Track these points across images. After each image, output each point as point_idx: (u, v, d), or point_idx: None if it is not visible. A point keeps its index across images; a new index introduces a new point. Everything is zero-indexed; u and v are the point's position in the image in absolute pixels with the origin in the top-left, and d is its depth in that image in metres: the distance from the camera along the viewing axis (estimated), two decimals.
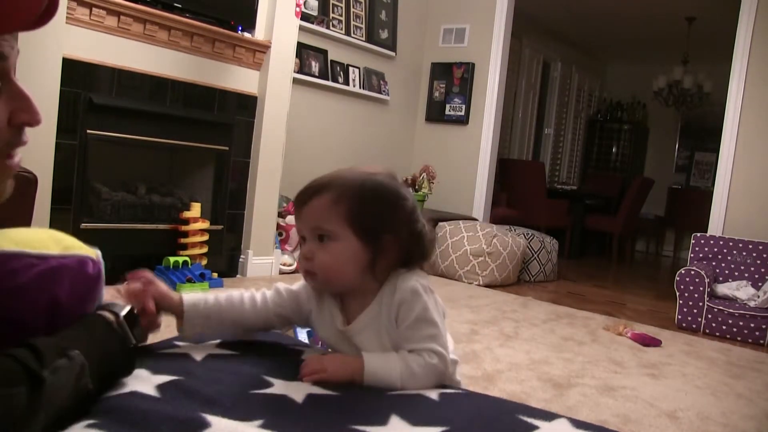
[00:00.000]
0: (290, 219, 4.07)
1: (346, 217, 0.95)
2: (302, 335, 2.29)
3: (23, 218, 1.72)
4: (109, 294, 0.92)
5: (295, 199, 0.99)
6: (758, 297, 3.60)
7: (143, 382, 0.85)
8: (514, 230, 4.85)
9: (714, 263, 3.96)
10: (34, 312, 0.75)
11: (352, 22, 4.90)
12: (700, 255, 4.00)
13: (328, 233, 0.95)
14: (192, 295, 1.05)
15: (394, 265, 0.99)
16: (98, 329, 0.82)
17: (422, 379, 0.94)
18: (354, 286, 0.99)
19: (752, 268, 3.85)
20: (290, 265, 3.99)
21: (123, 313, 0.87)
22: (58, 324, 0.77)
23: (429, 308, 0.97)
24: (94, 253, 0.83)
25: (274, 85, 3.66)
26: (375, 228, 0.96)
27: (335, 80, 4.75)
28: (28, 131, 0.76)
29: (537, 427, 0.82)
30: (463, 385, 1.10)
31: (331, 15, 4.71)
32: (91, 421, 0.73)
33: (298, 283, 1.08)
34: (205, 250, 3.41)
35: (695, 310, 3.64)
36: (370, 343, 0.99)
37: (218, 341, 1.05)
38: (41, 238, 0.79)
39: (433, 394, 0.92)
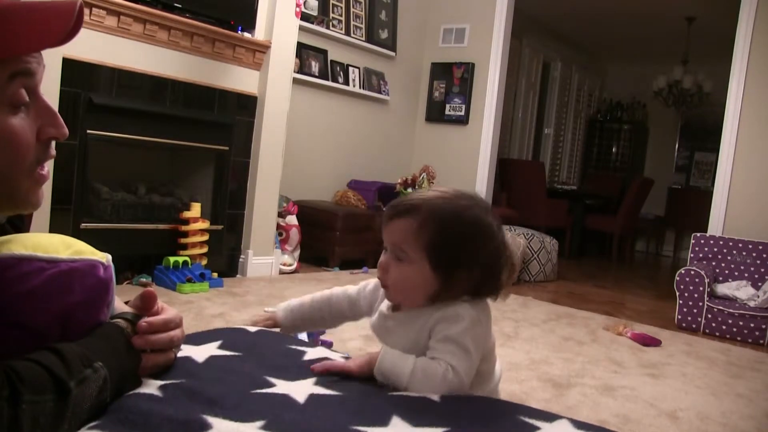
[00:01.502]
0: (290, 219, 4.07)
1: (424, 246, 0.96)
2: (302, 335, 2.29)
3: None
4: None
5: (386, 211, 1.02)
6: (758, 297, 3.60)
7: (145, 383, 0.85)
8: (514, 230, 4.85)
9: (714, 263, 3.96)
10: (46, 316, 0.75)
11: (352, 22, 4.90)
12: (700, 255, 4.00)
13: (405, 255, 0.98)
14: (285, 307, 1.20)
15: (460, 295, 1.00)
16: (118, 341, 0.82)
17: (431, 386, 0.93)
18: (418, 306, 1.01)
19: (752, 268, 3.85)
20: (290, 265, 3.99)
21: (138, 323, 0.87)
22: (71, 328, 0.78)
23: (465, 334, 0.97)
24: (104, 257, 0.83)
25: (274, 85, 3.66)
26: (450, 263, 0.97)
27: (335, 80, 4.75)
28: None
29: (538, 428, 0.82)
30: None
31: (331, 15, 4.71)
32: (92, 422, 0.73)
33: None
34: (205, 250, 3.41)
35: (695, 310, 3.64)
36: (401, 336, 1.02)
37: (219, 342, 1.05)
38: (52, 243, 0.79)
39: (435, 396, 0.92)
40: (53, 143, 0.78)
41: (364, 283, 1.21)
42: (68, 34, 0.73)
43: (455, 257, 0.97)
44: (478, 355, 1.00)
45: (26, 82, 0.72)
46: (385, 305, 1.08)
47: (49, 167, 0.79)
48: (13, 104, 0.71)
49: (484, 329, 1.01)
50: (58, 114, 0.77)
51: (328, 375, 0.95)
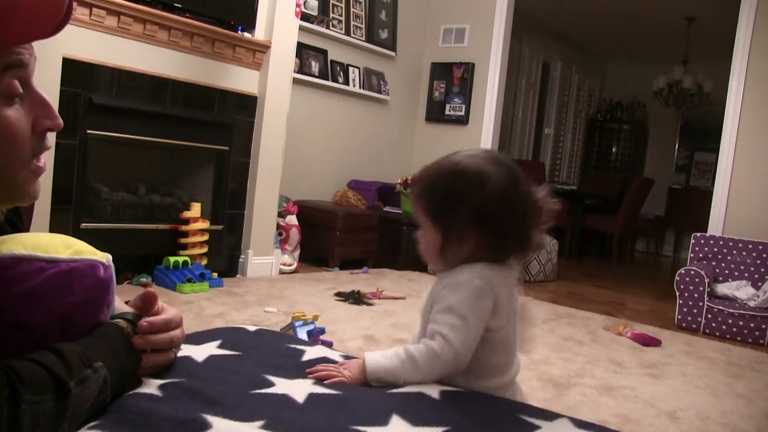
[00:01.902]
0: (290, 219, 4.07)
1: (424, 208, 1.04)
2: (302, 334, 2.29)
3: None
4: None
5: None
6: (758, 297, 3.60)
7: (145, 382, 0.85)
8: None
9: (714, 263, 3.96)
10: (46, 316, 0.75)
11: (352, 22, 4.90)
12: (700, 255, 4.00)
13: (419, 222, 1.07)
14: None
15: (478, 251, 1.02)
16: (118, 341, 0.82)
17: (424, 367, 0.96)
18: (441, 267, 1.06)
19: (752, 268, 3.85)
20: (290, 265, 3.99)
21: (139, 322, 0.87)
22: (72, 328, 0.77)
23: (464, 302, 0.98)
24: (105, 257, 0.83)
25: (274, 85, 3.65)
26: (443, 213, 1.02)
27: (335, 80, 4.75)
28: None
29: (538, 427, 0.82)
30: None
31: (331, 15, 4.71)
32: (92, 422, 0.73)
33: None
34: (205, 250, 3.41)
35: (695, 310, 3.64)
36: (425, 311, 1.06)
37: (219, 342, 1.05)
38: (52, 242, 0.79)
39: (435, 393, 0.92)
40: (48, 135, 0.78)
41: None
42: (58, 25, 0.73)
43: (445, 206, 1.01)
44: (479, 327, 0.99)
45: (19, 73, 0.72)
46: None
47: (45, 159, 0.78)
48: (7, 96, 0.71)
49: (488, 303, 1.00)
50: (52, 105, 0.77)
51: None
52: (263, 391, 0.87)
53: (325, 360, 1.03)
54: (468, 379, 1.02)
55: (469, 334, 0.98)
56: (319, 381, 0.93)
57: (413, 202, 1.07)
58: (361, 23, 4.99)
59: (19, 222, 0.91)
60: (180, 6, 3.19)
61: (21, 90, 0.73)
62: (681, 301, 3.68)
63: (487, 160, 1.03)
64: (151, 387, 0.83)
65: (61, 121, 0.78)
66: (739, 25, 4.18)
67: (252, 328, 1.16)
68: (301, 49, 4.37)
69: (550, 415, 0.87)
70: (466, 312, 0.98)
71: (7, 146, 0.72)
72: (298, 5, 3.73)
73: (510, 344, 1.07)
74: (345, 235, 4.31)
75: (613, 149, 8.63)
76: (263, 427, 0.75)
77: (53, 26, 0.73)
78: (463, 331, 0.97)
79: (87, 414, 0.73)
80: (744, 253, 3.89)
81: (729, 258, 3.93)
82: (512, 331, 1.07)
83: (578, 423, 0.85)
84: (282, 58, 3.69)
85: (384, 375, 0.96)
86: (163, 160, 3.69)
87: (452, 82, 5.40)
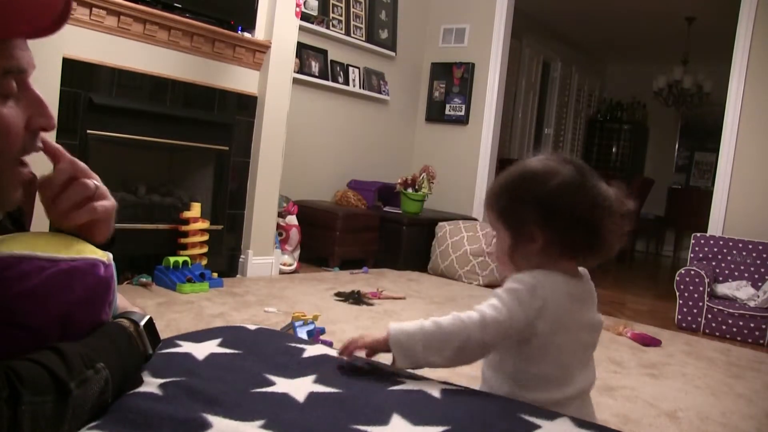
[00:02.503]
0: (290, 219, 4.07)
1: (495, 212, 1.07)
2: (302, 334, 2.29)
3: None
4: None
5: None
6: (758, 297, 3.60)
7: (146, 382, 0.84)
8: None
9: (714, 263, 3.96)
10: (46, 315, 0.75)
11: (352, 22, 4.90)
12: (700, 255, 4.00)
13: (493, 231, 1.09)
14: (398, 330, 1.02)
15: (547, 250, 1.01)
16: (121, 341, 0.82)
17: (448, 328, 0.97)
18: (515, 271, 1.05)
19: (752, 268, 3.85)
20: (290, 265, 3.99)
21: (143, 323, 0.87)
22: (72, 328, 0.77)
23: (508, 291, 0.99)
24: (105, 256, 0.83)
25: (274, 85, 3.65)
26: (511, 214, 1.04)
27: (335, 80, 4.75)
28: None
29: (539, 426, 0.82)
30: (465, 385, 1.10)
31: (331, 15, 4.71)
32: (92, 422, 0.73)
33: None
34: (205, 250, 3.41)
35: (695, 310, 3.64)
36: None
37: (219, 340, 1.05)
38: (52, 242, 0.79)
39: (436, 392, 0.92)
40: (40, 136, 0.78)
41: None
42: (57, 21, 0.73)
43: (513, 205, 1.03)
44: (518, 317, 0.97)
45: (17, 76, 0.72)
46: None
47: (30, 168, 0.77)
48: (2, 94, 0.71)
49: (536, 303, 0.97)
50: (48, 105, 0.77)
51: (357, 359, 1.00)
52: (263, 390, 0.87)
53: (325, 358, 1.03)
54: (512, 387, 1.01)
55: (503, 315, 0.97)
56: (320, 379, 0.92)
57: (488, 210, 1.09)
58: (361, 23, 4.99)
59: (20, 216, 0.91)
60: (180, 6, 3.19)
61: (17, 89, 0.73)
62: (681, 301, 3.68)
63: (554, 159, 1.05)
64: (152, 386, 0.83)
65: (54, 122, 0.78)
66: (739, 25, 4.18)
67: (252, 327, 1.16)
68: (301, 49, 4.37)
69: (551, 415, 0.87)
70: (507, 298, 0.98)
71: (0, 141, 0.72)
72: (298, 5, 3.73)
73: (563, 359, 1.01)
74: (345, 235, 4.31)
75: (613, 149, 8.63)
76: (263, 426, 0.75)
77: (52, 20, 0.73)
78: (497, 310, 0.97)
79: (88, 414, 0.73)
80: (744, 253, 3.89)
81: (729, 258, 3.93)
82: (569, 345, 1.02)
83: (578, 423, 0.85)
84: (282, 58, 3.69)
85: (404, 338, 0.98)
86: (163, 160, 3.69)
87: (452, 82, 5.40)
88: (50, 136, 2.92)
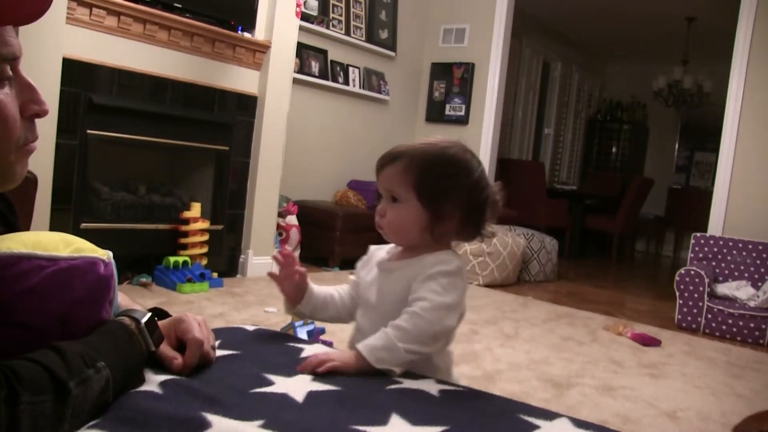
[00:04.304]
0: (290, 219, 4.07)
1: (413, 184, 1.07)
2: (302, 334, 2.29)
3: (23, 218, 1.71)
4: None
5: (377, 163, 1.13)
6: (758, 297, 3.60)
7: (147, 380, 0.84)
8: (514, 230, 4.85)
9: (714, 263, 3.96)
10: (46, 314, 0.75)
11: (352, 22, 4.90)
12: (700, 255, 4.00)
13: (398, 196, 1.09)
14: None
15: (453, 231, 1.10)
16: (122, 339, 0.82)
17: (415, 333, 1.00)
18: (413, 243, 1.11)
19: (752, 268, 3.85)
20: None
21: (144, 320, 0.87)
22: (72, 326, 0.77)
23: (447, 275, 1.04)
24: (105, 254, 0.82)
25: (274, 85, 3.66)
26: (436, 195, 1.07)
27: (335, 80, 4.75)
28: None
29: (538, 427, 0.82)
30: (464, 385, 1.10)
31: (331, 15, 4.71)
32: (92, 421, 0.73)
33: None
34: (205, 250, 3.41)
35: (695, 310, 3.64)
36: (392, 287, 1.08)
37: (218, 341, 1.05)
38: (51, 241, 0.78)
39: (434, 392, 0.92)
40: (36, 123, 0.79)
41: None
42: (42, 11, 0.74)
43: (440, 189, 1.08)
44: (458, 298, 1.05)
45: (12, 61, 0.73)
46: (380, 257, 1.16)
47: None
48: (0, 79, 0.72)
49: (464, 282, 1.08)
50: (39, 91, 0.77)
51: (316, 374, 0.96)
52: (263, 390, 0.87)
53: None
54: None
55: (448, 299, 1.03)
56: (319, 379, 0.92)
57: (395, 174, 1.08)
58: (361, 23, 4.99)
59: (9, 213, 0.91)
60: (180, 6, 3.19)
61: (11, 73, 0.74)
62: (681, 301, 3.68)
63: (466, 150, 1.12)
64: (152, 385, 0.83)
65: (48, 107, 0.79)
66: (739, 25, 4.18)
67: (251, 328, 1.16)
68: (301, 49, 4.37)
69: (550, 415, 0.87)
70: (447, 283, 1.04)
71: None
72: (298, 5, 3.73)
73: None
74: (345, 235, 4.31)
75: (613, 149, 8.63)
76: (263, 426, 0.75)
77: (39, 8, 0.73)
78: (441, 295, 1.03)
79: (89, 414, 0.73)
80: (744, 253, 3.89)
81: (729, 258, 3.93)
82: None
83: (578, 423, 0.85)
84: (282, 58, 3.69)
85: (384, 353, 0.99)
86: (163, 160, 3.69)
87: (452, 82, 5.40)
88: (50, 136, 2.93)
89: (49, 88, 2.70)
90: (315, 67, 4.58)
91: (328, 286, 1.24)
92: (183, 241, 3.33)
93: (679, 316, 3.69)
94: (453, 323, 1.05)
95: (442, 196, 1.07)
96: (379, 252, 1.19)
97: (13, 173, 0.78)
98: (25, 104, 0.76)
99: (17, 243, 0.76)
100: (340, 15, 4.80)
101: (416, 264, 1.07)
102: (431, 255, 1.07)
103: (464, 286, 1.07)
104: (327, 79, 4.67)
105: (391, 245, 1.18)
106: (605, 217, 6.78)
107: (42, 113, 0.78)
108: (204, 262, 3.40)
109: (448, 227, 1.09)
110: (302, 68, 4.43)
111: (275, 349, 1.05)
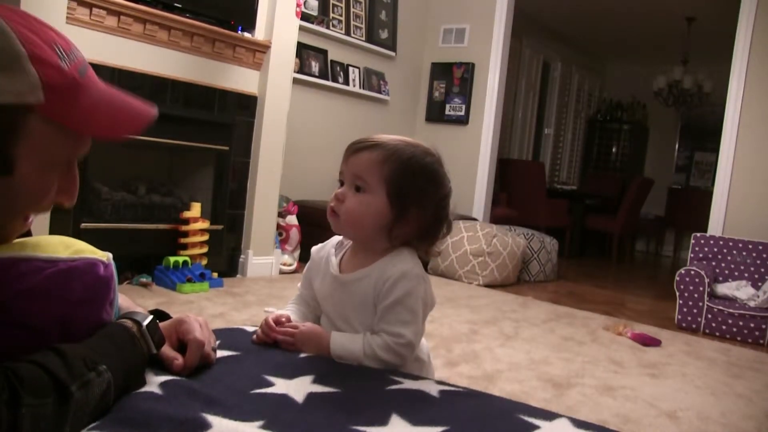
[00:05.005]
0: (290, 219, 4.07)
1: (386, 178, 1.03)
2: None
3: None
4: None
5: (348, 146, 1.08)
6: (758, 297, 3.60)
7: (147, 381, 0.84)
8: (514, 230, 4.85)
9: (714, 263, 3.96)
10: (46, 316, 0.75)
11: (352, 22, 4.90)
12: (700, 255, 4.00)
13: (364, 185, 1.04)
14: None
15: (410, 236, 1.07)
16: (124, 342, 0.82)
17: (386, 361, 1.03)
18: (367, 239, 1.07)
19: (752, 268, 3.85)
20: (290, 265, 3.99)
21: (146, 323, 0.87)
22: (72, 328, 0.77)
23: (411, 294, 1.03)
24: (105, 255, 0.83)
25: (274, 85, 3.66)
26: (405, 197, 1.04)
27: (335, 80, 4.75)
28: None
29: (538, 427, 0.82)
30: (464, 385, 1.10)
31: (331, 15, 4.71)
32: (92, 423, 0.73)
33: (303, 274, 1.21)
34: (205, 250, 3.41)
35: (695, 310, 3.64)
36: (351, 300, 1.07)
37: (218, 342, 1.05)
38: (51, 243, 0.79)
39: (434, 392, 0.92)
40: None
41: (300, 284, 1.24)
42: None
43: (411, 192, 1.04)
44: (426, 313, 1.07)
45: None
46: (333, 267, 1.12)
47: (33, 219, 0.83)
48: (58, 163, 0.77)
49: (426, 286, 1.07)
50: (77, 186, 0.81)
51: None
52: (263, 390, 0.87)
53: (324, 358, 1.03)
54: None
55: (419, 322, 1.06)
56: (319, 380, 0.93)
57: (371, 162, 1.04)
58: (361, 23, 4.99)
59: None
60: (180, 6, 3.19)
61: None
62: (681, 301, 3.68)
63: (442, 164, 1.10)
64: (152, 386, 0.83)
65: (74, 202, 0.82)
66: (739, 25, 4.18)
67: (250, 329, 1.16)
68: (301, 49, 4.37)
69: (550, 415, 0.87)
70: (415, 305, 1.05)
71: (25, 202, 0.76)
72: (298, 5, 3.73)
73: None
74: None
75: (613, 149, 8.63)
76: (263, 426, 0.75)
77: (131, 133, 0.83)
78: (414, 324, 1.04)
79: (90, 416, 0.73)
80: (744, 253, 3.89)
81: (729, 258, 3.93)
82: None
83: (578, 423, 0.85)
84: (282, 58, 3.69)
85: (348, 358, 1.03)
86: (163, 160, 3.69)
87: (452, 82, 5.40)
88: None
89: None
90: (315, 67, 4.58)
91: (293, 306, 1.20)
92: (183, 241, 3.33)
93: (679, 316, 3.69)
94: (419, 339, 1.07)
95: (411, 198, 1.04)
96: (326, 256, 1.15)
97: (8, 238, 0.79)
98: (59, 192, 0.79)
99: (16, 245, 0.76)
100: (340, 15, 4.80)
101: (374, 274, 1.05)
102: (388, 261, 1.05)
103: (427, 287, 1.07)
104: (327, 79, 4.67)
105: (336, 242, 1.16)
106: (605, 217, 6.79)
107: (66, 207, 0.82)
108: (204, 262, 3.40)
109: (406, 232, 1.06)
110: (302, 68, 4.43)
111: (275, 350, 1.05)
